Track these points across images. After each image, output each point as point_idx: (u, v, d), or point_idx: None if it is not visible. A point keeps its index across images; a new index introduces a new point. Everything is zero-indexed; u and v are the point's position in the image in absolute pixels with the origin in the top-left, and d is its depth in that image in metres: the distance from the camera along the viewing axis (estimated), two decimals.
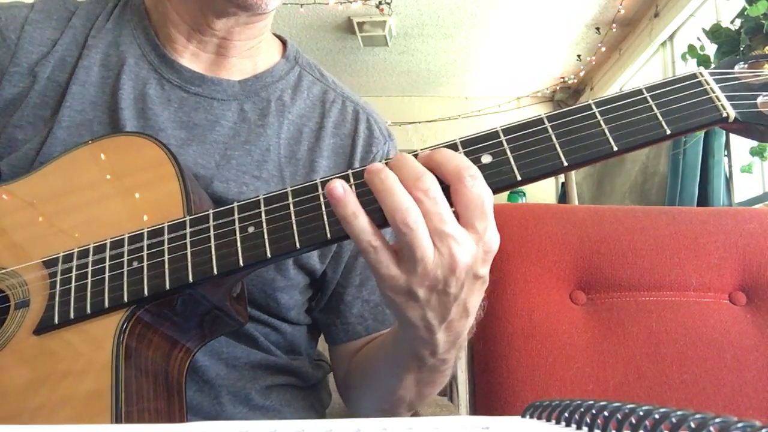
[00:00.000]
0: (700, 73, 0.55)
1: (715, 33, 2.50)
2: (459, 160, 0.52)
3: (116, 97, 0.77)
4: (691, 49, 2.56)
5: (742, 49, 2.43)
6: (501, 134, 0.55)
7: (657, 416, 0.28)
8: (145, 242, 0.59)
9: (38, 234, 0.64)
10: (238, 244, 0.56)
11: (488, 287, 0.61)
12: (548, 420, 0.35)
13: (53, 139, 0.74)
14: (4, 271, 0.63)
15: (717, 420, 0.26)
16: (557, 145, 0.54)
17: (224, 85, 0.81)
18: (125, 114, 0.76)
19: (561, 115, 0.55)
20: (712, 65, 2.49)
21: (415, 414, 0.90)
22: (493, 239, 0.53)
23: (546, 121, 0.55)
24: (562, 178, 4.98)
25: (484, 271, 0.55)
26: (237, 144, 0.78)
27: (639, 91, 0.55)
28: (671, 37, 4.01)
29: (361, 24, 4.32)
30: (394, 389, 0.70)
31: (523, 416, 0.37)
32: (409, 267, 0.52)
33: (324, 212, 0.55)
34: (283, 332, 0.81)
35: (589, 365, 0.86)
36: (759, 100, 0.54)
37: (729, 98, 0.54)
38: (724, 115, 0.53)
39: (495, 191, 0.54)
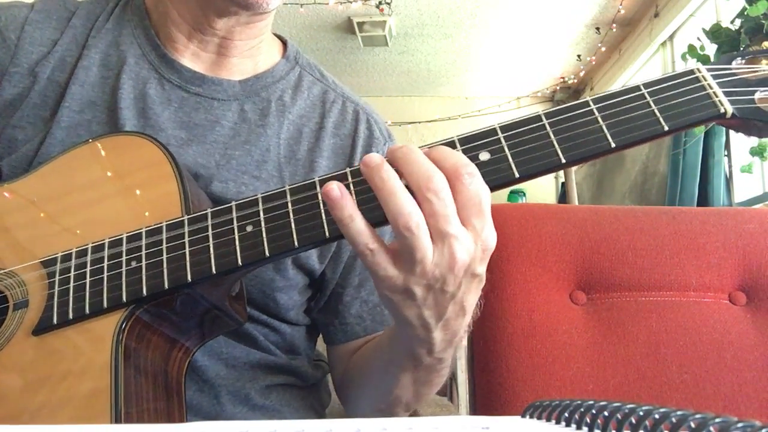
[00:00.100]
0: (698, 69, 0.55)
1: (715, 33, 2.50)
2: (456, 158, 0.52)
3: (116, 96, 0.77)
4: (691, 49, 2.56)
5: (742, 49, 2.43)
6: (499, 131, 0.55)
7: (657, 416, 0.28)
8: (144, 242, 0.59)
9: (36, 234, 0.64)
10: (237, 243, 0.56)
11: (488, 287, 0.61)
12: (548, 420, 0.35)
13: (52, 139, 0.74)
14: (2, 271, 0.63)
15: (717, 420, 0.26)
16: (555, 142, 0.54)
17: (225, 85, 0.81)
18: (125, 114, 0.76)
19: (559, 112, 0.55)
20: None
21: (415, 414, 0.90)
22: (490, 237, 0.53)
23: (544, 118, 0.55)
24: (562, 178, 4.98)
25: (482, 269, 0.55)
26: (237, 144, 0.78)
27: (637, 88, 0.55)
28: (671, 37, 4.01)
29: (361, 24, 4.32)
30: (391, 389, 0.70)
31: (523, 416, 0.37)
32: (408, 267, 0.52)
33: (322, 211, 0.55)
34: (282, 332, 0.81)
35: (589, 365, 0.86)
36: (756, 95, 0.54)
37: (727, 94, 0.54)
38: (722, 110, 0.53)
39: (493, 189, 0.53)
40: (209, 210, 0.58)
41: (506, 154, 0.54)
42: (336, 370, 0.87)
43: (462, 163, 0.52)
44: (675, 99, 0.54)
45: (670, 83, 0.55)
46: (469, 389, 0.94)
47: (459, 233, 0.51)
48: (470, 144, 0.55)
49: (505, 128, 0.55)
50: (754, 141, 2.45)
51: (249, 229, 0.56)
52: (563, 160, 0.53)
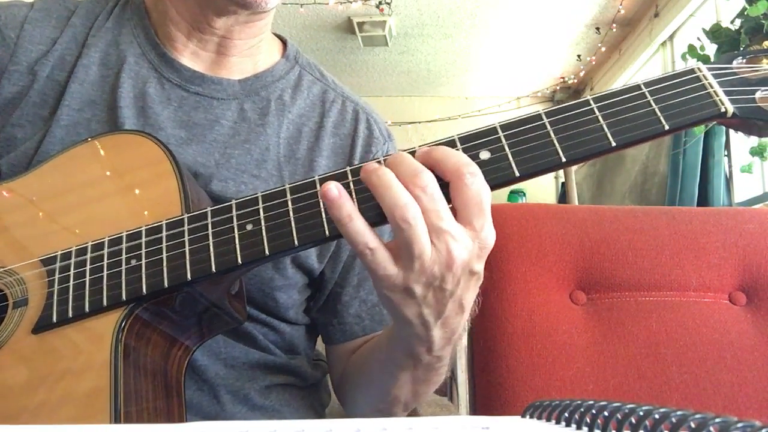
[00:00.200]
0: (699, 69, 0.55)
1: (715, 33, 2.50)
2: (458, 158, 0.52)
3: (116, 95, 0.77)
4: (691, 49, 2.56)
5: (742, 49, 2.43)
6: (499, 130, 0.55)
7: (657, 416, 0.28)
8: (143, 240, 0.59)
9: (37, 232, 0.64)
10: (237, 241, 0.56)
11: (489, 287, 0.62)
12: (548, 420, 0.35)
13: (51, 138, 0.74)
14: (2, 269, 0.63)
15: (717, 420, 0.26)
16: (555, 141, 0.54)
17: (224, 85, 0.81)
18: (125, 113, 0.76)
19: (559, 111, 0.55)
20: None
21: (415, 414, 0.90)
22: (489, 236, 0.53)
23: (544, 116, 0.55)
24: (562, 178, 4.98)
25: (480, 266, 0.55)
26: (237, 143, 0.78)
27: (637, 87, 0.55)
28: (671, 37, 4.01)
29: (361, 24, 4.32)
30: (389, 388, 0.70)
31: (523, 416, 0.37)
32: (407, 264, 0.52)
33: (322, 210, 0.55)
34: (282, 332, 0.81)
35: (589, 365, 0.86)
36: (757, 95, 0.54)
37: (727, 93, 0.54)
38: (723, 110, 0.53)
39: (493, 187, 0.53)
40: (209, 209, 0.58)
41: (506, 153, 0.54)
42: (334, 369, 0.87)
43: (463, 162, 0.52)
44: (675, 98, 0.54)
45: (670, 82, 0.55)
46: (469, 389, 0.94)
47: (454, 230, 0.51)
48: (470, 143, 0.55)
49: (505, 127, 0.55)
50: (754, 141, 2.45)
51: (249, 227, 0.56)
52: (563, 159, 0.53)
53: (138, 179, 0.65)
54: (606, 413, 0.31)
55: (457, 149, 0.55)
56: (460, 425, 0.34)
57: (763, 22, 2.31)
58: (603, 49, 4.63)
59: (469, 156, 0.53)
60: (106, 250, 0.60)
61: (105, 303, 0.57)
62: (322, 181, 0.56)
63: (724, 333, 0.88)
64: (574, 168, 4.28)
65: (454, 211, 0.52)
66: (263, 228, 0.56)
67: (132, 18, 0.82)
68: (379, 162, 0.54)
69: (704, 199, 2.94)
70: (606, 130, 0.53)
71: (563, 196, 4.85)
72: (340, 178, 0.55)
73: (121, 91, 0.77)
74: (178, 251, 0.57)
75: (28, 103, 0.76)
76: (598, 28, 4.39)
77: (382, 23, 4.27)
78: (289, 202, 0.56)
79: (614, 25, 4.28)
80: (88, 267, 0.59)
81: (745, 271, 0.91)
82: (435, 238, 0.51)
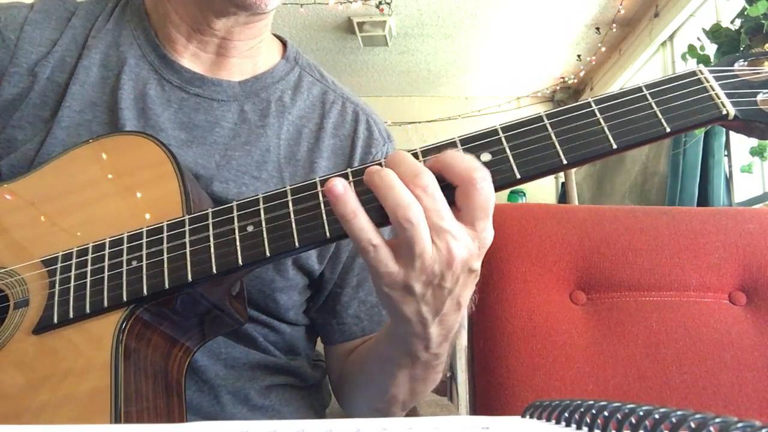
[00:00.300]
0: (700, 71, 0.55)
1: (715, 33, 2.50)
2: (469, 162, 0.52)
3: (116, 97, 0.77)
4: (691, 49, 2.56)
5: (742, 49, 2.43)
6: (500, 132, 0.55)
7: (657, 416, 0.28)
8: (144, 241, 0.59)
9: (38, 233, 0.64)
10: (237, 243, 0.56)
11: (489, 287, 0.62)
12: (548, 420, 0.35)
13: (52, 139, 0.74)
14: (3, 270, 0.63)
15: (717, 420, 0.26)
16: (557, 144, 0.54)
17: (224, 86, 0.81)
18: (125, 114, 0.76)
19: (560, 113, 0.55)
20: (712, 65, 2.48)
21: (415, 414, 0.90)
22: (489, 236, 0.54)
23: (545, 119, 0.55)
24: (562, 178, 4.98)
25: (478, 265, 0.55)
26: (237, 145, 0.78)
27: (638, 89, 0.55)
28: (671, 37, 4.01)
29: (361, 24, 4.32)
30: (388, 387, 0.70)
31: (523, 416, 0.37)
32: (408, 262, 0.53)
33: (323, 211, 0.55)
34: (282, 332, 0.81)
35: (589, 365, 0.86)
36: (759, 97, 0.54)
37: (729, 96, 0.54)
38: (724, 112, 0.53)
39: (495, 190, 0.54)
40: (210, 210, 0.58)
41: (508, 155, 0.54)
42: (333, 370, 0.87)
43: (474, 167, 0.52)
44: (677, 100, 0.54)
45: (671, 84, 0.55)
46: (469, 389, 0.94)
47: (454, 229, 0.52)
48: (471, 144, 0.55)
49: (506, 129, 0.55)
50: (754, 141, 2.45)
51: (250, 229, 0.56)
52: (565, 161, 0.53)
53: (139, 180, 0.65)
54: (606, 413, 0.31)
55: (457, 150, 0.55)
56: (460, 425, 0.34)
57: (763, 22, 2.31)
58: (603, 49, 4.63)
59: None
60: (107, 251, 0.60)
61: (106, 304, 0.58)
62: (323, 182, 0.56)
63: (724, 333, 0.88)
64: (574, 168, 4.27)
65: (457, 212, 0.53)
66: (264, 229, 0.56)
67: (132, 19, 0.82)
68: (380, 164, 0.54)
69: (704, 199, 2.94)
70: (607, 132, 0.53)
71: (563, 196, 4.85)
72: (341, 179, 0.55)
73: (121, 93, 0.77)
74: (179, 252, 0.57)
75: (28, 104, 0.76)
76: (598, 28, 4.38)
77: (382, 23, 4.27)
78: (290, 204, 0.56)
79: (614, 25, 4.28)
80: (89, 268, 0.59)
81: (745, 271, 0.91)
82: (436, 237, 0.52)
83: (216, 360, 0.75)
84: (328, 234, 0.55)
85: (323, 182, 0.56)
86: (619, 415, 0.30)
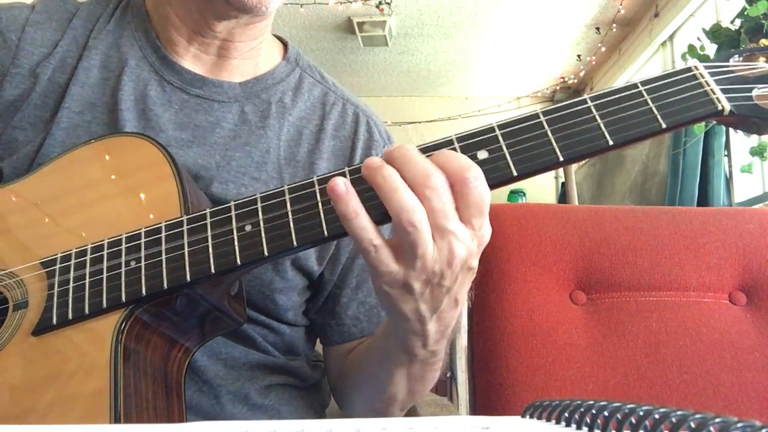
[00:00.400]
0: (695, 67, 0.55)
1: (715, 33, 2.50)
2: (461, 161, 0.52)
3: (116, 98, 0.77)
4: (691, 49, 2.56)
5: (740, 49, 2.42)
6: (497, 130, 0.55)
7: (657, 416, 0.28)
8: (143, 242, 0.59)
9: (36, 234, 0.64)
10: (236, 243, 0.56)
11: (489, 287, 0.62)
12: (548, 420, 0.35)
13: (52, 140, 0.74)
14: (2, 271, 0.63)
15: (717, 420, 0.26)
16: (553, 140, 0.54)
17: (225, 87, 0.81)
18: (125, 115, 0.76)
19: (556, 110, 0.55)
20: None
21: (415, 414, 0.90)
22: (487, 234, 0.54)
23: (542, 116, 0.55)
24: (562, 178, 4.98)
25: (475, 262, 0.56)
26: (237, 145, 0.78)
27: (634, 86, 0.55)
28: (671, 37, 4.01)
29: (361, 24, 4.32)
30: (385, 386, 0.70)
31: (523, 416, 0.37)
32: (409, 262, 0.53)
33: (321, 210, 0.55)
34: (281, 333, 0.81)
35: (589, 365, 0.86)
36: (754, 92, 0.54)
37: (724, 91, 0.54)
38: (720, 108, 0.53)
39: (492, 187, 0.54)
40: (208, 210, 0.58)
41: (504, 153, 0.54)
42: (332, 370, 0.87)
43: (466, 166, 0.52)
44: (672, 96, 0.54)
45: (667, 81, 0.55)
46: (469, 389, 0.94)
47: (458, 230, 0.52)
48: (468, 142, 0.55)
49: (502, 126, 0.55)
50: (754, 141, 2.45)
51: (248, 228, 0.56)
52: (561, 158, 0.53)
53: (138, 181, 0.65)
54: (606, 413, 0.31)
55: (454, 148, 0.55)
56: (460, 425, 0.34)
57: (763, 22, 2.31)
58: (603, 49, 4.63)
59: (467, 156, 0.53)
60: (105, 252, 0.60)
61: (104, 305, 0.57)
62: (321, 182, 0.56)
63: (724, 333, 0.88)
64: (574, 168, 4.27)
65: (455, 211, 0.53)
66: (262, 229, 0.56)
67: (133, 21, 0.82)
68: (384, 158, 0.54)
69: (704, 199, 2.94)
70: (603, 128, 0.54)
71: (563, 196, 4.85)
72: None
73: (121, 94, 0.77)
74: (177, 253, 0.57)
75: (29, 105, 0.76)
76: (598, 28, 4.38)
77: (382, 23, 4.27)
78: (288, 203, 0.56)
79: (614, 25, 4.28)
80: (87, 269, 0.59)
81: (745, 271, 0.91)
82: (438, 237, 0.52)
83: (216, 360, 0.75)
84: (326, 233, 0.55)
85: (321, 181, 0.56)
86: (619, 415, 0.30)
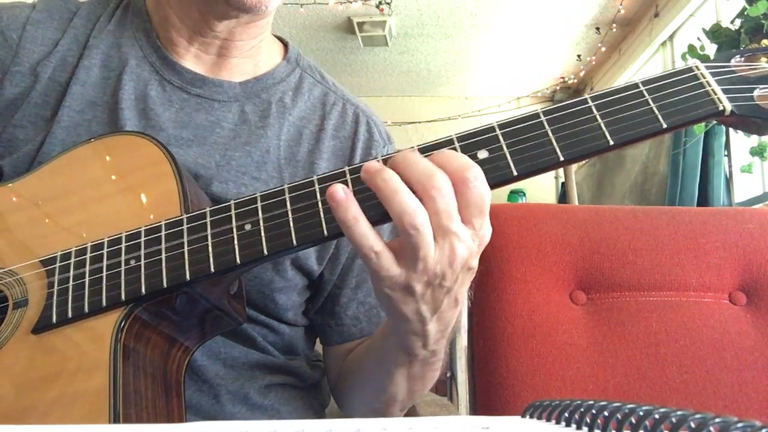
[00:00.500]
0: (696, 67, 0.55)
1: (715, 33, 2.50)
2: (460, 161, 0.52)
3: (117, 97, 0.77)
4: (691, 49, 2.56)
5: (741, 49, 2.42)
6: (497, 129, 0.55)
7: (657, 416, 0.28)
8: (143, 240, 0.59)
9: (36, 233, 0.64)
10: (235, 241, 0.56)
11: (489, 287, 0.62)
12: (548, 420, 0.35)
13: (53, 139, 0.74)
14: (2, 270, 0.63)
15: (717, 420, 0.26)
16: (553, 140, 0.54)
17: (225, 87, 0.81)
18: (126, 114, 0.76)
19: (557, 110, 0.55)
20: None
21: (415, 414, 0.90)
22: (487, 234, 0.54)
23: (542, 115, 0.55)
24: (562, 178, 4.98)
25: (475, 262, 0.56)
26: (237, 145, 0.78)
27: (635, 85, 0.55)
28: (671, 37, 4.01)
29: (361, 24, 4.32)
30: (386, 387, 0.70)
31: (523, 416, 0.37)
32: (410, 265, 0.52)
33: (321, 209, 0.55)
34: (281, 333, 0.81)
35: (589, 365, 0.86)
36: (755, 93, 0.54)
37: (725, 91, 0.54)
38: (721, 108, 0.53)
39: (492, 187, 0.54)
40: (208, 209, 0.58)
41: (504, 153, 0.54)
42: (331, 371, 0.87)
43: (466, 165, 0.52)
44: (673, 96, 0.54)
45: (668, 81, 0.55)
46: (469, 389, 0.94)
47: (460, 231, 0.52)
48: (468, 142, 0.55)
49: (503, 126, 0.55)
50: (754, 141, 2.45)
51: (248, 227, 0.56)
52: (561, 158, 0.53)
53: (138, 180, 0.65)
54: (606, 413, 0.31)
55: (455, 148, 0.55)
56: (460, 425, 0.34)
57: (763, 22, 2.31)
58: (603, 49, 4.63)
59: (467, 155, 0.53)
60: (105, 251, 0.60)
61: (104, 303, 0.57)
62: (321, 181, 0.56)
63: (724, 333, 0.88)
64: (574, 168, 4.28)
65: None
66: (262, 228, 0.56)
67: (134, 21, 0.82)
68: (384, 161, 0.54)
69: (704, 199, 2.94)
70: (604, 128, 0.53)
71: (563, 196, 4.85)
72: (338, 177, 0.55)
73: (122, 93, 0.77)
74: (176, 251, 0.57)
75: (29, 104, 0.76)
76: (598, 28, 4.38)
77: (382, 23, 4.27)
78: (288, 202, 0.56)
79: (614, 25, 4.28)
80: (87, 267, 0.59)
81: (745, 271, 0.91)
82: (440, 238, 0.51)
83: (215, 359, 0.75)
84: (325, 232, 0.55)
85: (321, 181, 0.56)
86: (619, 415, 0.30)
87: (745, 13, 2.36)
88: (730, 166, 2.96)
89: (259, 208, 0.57)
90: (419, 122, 5.44)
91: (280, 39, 0.90)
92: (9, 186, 0.68)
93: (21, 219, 0.66)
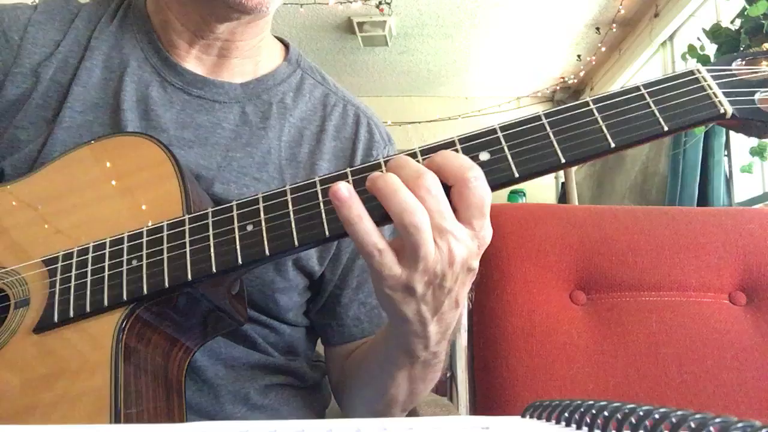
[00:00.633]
0: (698, 70, 0.55)
1: (715, 33, 2.50)
2: (461, 161, 0.52)
3: (118, 98, 0.77)
4: (691, 49, 2.56)
5: (742, 49, 2.42)
6: (499, 131, 0.55)
7: (657, 416, 0.28)
8: (145, 241, 0.59)
9: (39, 233, 0.64)
10: (237, 242, 0.56)
11: (489, 287, 0.62)
12: (548, 420, 0.35)
13: (54, 140, 0.74)
14: (4, 270, 0.63)
15: (717, 420, 0.26)
16: (555, 143, 0.54)
17: (226, 88, 0.81)
18: (127, 115, 0.76)
19: (558, 112, 0.55)
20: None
21: (415, 414, 0.90)
22: (488, 235, 0.54)
23: (543, 118, 0.55)
24: (562, 178, 4.98)
25: (476, 263, 0.56)
26: (238, 146, 0.78)
27: (636, 88, 0.55)
28: (671, 37, 4.01)
29: (361, 24, 4.32)
30: (387, 388, 0.70)
31: (523, 416, 0.37)
32: (411, 264, 0.53)
33: (322, 210, 0.55)
34: (282, 333, 0.81)
35: (589, 365, 0.86)
36: (757, 96, 0.54)
37: (726, 95, 0.54)
38: (722, 111, 0.53)
39: (493, 188, 0.54)
40: (210, 209, 0.59)
41: (506, 155, 0.54)
42: (333, 371, 0.87)
43: (467, 166, 0.52)
44: (675, 99, 0.54)
45: (669, 84, 0.55)
46: (469, 389, 0.94)
47: (456, 230, 0.52)
48: (470, 144, 0.55)
49: (504, 128, 0.55)
50: (754, 141, 2.45)
51: (249, 228, 0.57)
52: (563, 160, 0.54)
53: (140, 181, 0.65)
54: (606, 413, 0.31)
55: (456, 149, 0.55)
56: (460, 425, 0.34)
57: (763, 22, 2.30)
58: (603, 49, 4.63)
59: (468, 157, 0.54)
60: (107, 251, 0.60)
61: (106, 303, 0.58)
62: (322, 182, 0.56)
63: (724, 333, 0.88)
64: (574, 168, 4.28)
65: (455, 211, 0.53)
66: (264, 228, 0.56)
67: (135, 23, 0.82)
68: (380, 167, 0.54)
69: (704, 199, 2.94)
70: (605, 131, 0.54)
71: (563, 196, 4.85)
72: (340, 178, 0.55)
73: (123, 94, 0.77)
74: (179, 251, 0.58)
75: (31, 105, 0.76)
76: (598, 28, 4.38)
77: (382, 23, 4.27)
78: (290, 203, 0.56)
79: (614, 25, 4.28)
80: (89, 267, 0.59)
81: (745, 271, 0.91)
82: (438, 237, 0.52)
83: (216, 360, 0.75)
84: (327, 233, 0.55)
85: (322, 182, 0.56)
86: (619, 415, 0.30)
87: (745, 13, 2.36)
88: (730, 166, 2.96)
89: (261, 209, 0.57)
90: (419, 122, 5.44)
91: (281, 40, 0.90)
92: (10, 187, 0.69)
93: (23, 219, 0.66)
